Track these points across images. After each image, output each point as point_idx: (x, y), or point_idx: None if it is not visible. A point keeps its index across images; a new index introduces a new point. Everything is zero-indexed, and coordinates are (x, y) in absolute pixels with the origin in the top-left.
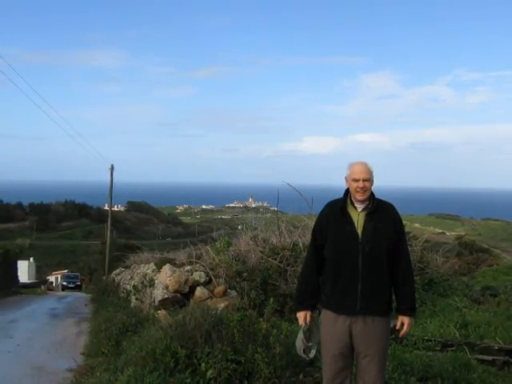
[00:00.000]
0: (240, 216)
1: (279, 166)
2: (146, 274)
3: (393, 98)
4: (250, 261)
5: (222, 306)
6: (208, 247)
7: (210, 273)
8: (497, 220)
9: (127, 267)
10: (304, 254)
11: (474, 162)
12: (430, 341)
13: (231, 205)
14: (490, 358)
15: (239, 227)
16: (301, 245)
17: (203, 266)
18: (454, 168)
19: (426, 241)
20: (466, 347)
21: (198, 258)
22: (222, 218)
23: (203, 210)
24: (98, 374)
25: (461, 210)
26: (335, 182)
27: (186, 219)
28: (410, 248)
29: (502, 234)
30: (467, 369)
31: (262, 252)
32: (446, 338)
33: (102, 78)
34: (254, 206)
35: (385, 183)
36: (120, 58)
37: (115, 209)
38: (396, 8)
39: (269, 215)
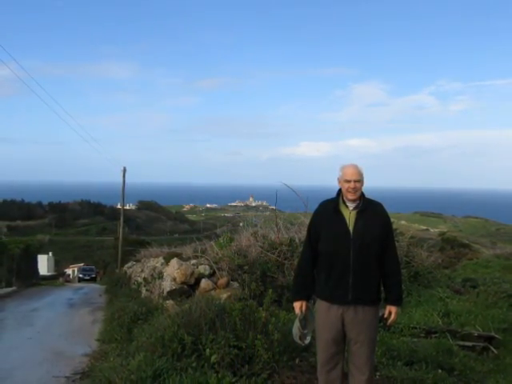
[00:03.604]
0: (241, 214)
1: (278, 169)
2: (155, 267)
3: (381, 105)
4: (251, 255)
5: (224, 296)
6: (212, 243)
7: (214, 266)
8: (476, 218)
9: (138, 261)
10: (300, 249)
11: (456, 165)
12: (416, 328)
13: (233, 204)
14: (470, 344)
15: (240, 224)
16: (297, 240)
17: (208, 259)
18: (437, 170)
19: (412, 237)
20: (448, 334)
21: (203, 252)
22: (224, 215)
23: (207, 208)
24: (112, 358)
25: (443, 209)
26: (329, 182)
27: (191, 217)
28: (397, 243)
29: (482, 230)
30: (450, 354)
31: (261, 247)
32: (430, 325)
33: (115, 88)
34: (254, 205)
35: (373, 184)
36: (132, 70)
37: (127, 207)
38: (382, 23)
39: (268, 213)
